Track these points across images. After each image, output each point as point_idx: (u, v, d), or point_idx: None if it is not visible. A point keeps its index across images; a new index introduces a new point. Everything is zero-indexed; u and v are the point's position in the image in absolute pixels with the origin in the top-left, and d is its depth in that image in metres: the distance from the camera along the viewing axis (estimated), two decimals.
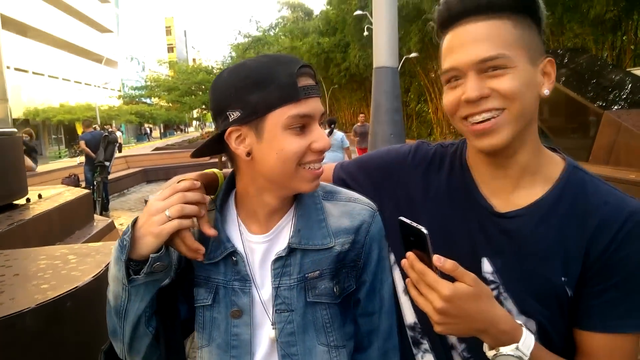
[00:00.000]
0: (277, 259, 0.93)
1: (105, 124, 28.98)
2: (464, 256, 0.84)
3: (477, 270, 0.86)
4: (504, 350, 0.75)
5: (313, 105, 0.86)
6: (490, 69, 0.81)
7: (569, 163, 0.89)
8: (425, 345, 0.96)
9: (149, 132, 44.88)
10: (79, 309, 1.68)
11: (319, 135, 0.87)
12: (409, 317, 0.98)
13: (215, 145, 0.93)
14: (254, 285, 0.94)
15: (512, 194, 0.88)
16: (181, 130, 73.46)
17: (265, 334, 0.93)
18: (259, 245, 0.95)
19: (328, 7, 29.72)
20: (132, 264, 0.85)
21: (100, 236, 4.06)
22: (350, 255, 0.95)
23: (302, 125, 0.86)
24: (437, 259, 0.73)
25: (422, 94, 26.48)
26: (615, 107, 10.36)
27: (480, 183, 0.92)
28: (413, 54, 20.65)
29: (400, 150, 1.07)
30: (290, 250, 0.93)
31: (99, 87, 39.82)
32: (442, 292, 0.72)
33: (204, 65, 8.58)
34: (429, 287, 0.74)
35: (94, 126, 10.37)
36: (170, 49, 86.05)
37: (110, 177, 10.73)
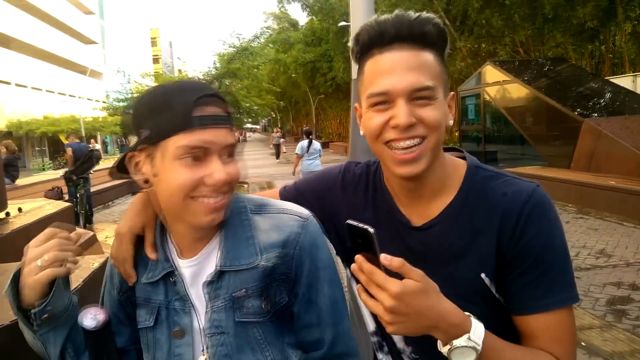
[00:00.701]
0: (208, 283, 0.91)
1: (90, 138, 28.76)
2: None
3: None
4: (456, 342, 0.76)
5: (211, 136, 0.81)
6: (418, 98, 0.84)
7: (469, 165, 0.94)
8: (386, 348, 1.01)
9: (125, 142, 44.61)
10: None
11: (215, 168, 0.82)
12: (370, 324, 1.03)
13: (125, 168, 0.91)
14: (192, 306, 0.93)
15: (427, 207, 0.93)
16: None
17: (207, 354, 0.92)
18: (186, 270, 0.94)
19: (313, 18, 29.97)
20: (31, 312, 0.86)
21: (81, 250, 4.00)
22: (279, 269, 0.91)
23: (195, 157, 0.81)
24: (384, 257, 0.73)
25: None
26: (595, 115, 10.56)
27: (397, 201, 0.97)
28: None
29: (331, 174, 1.11)
30: (220, 273, 0.91)
31: (83, 98, 39.44)
32: (391, 289, 0.73)
33: (189, 77, 8.56)
34: (378, 288, 0.75)
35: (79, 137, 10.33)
36: (156, 60, 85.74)
37: (94, 189, 10.62)
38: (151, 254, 0.93)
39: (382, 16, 0.87)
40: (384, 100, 0.86)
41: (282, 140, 23.65)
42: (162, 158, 0.82)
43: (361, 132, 0.94)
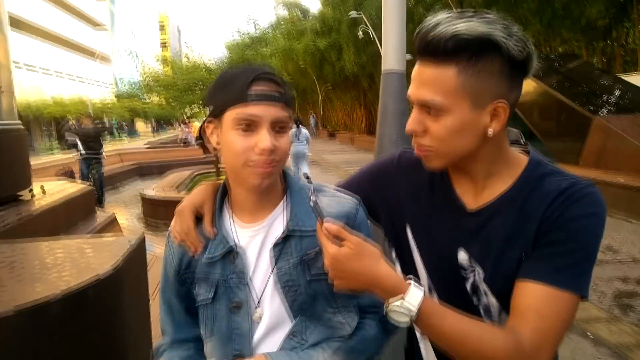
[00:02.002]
0: (276, 245, 1.01)
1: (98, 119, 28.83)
2: (443, 247, 0.98)
3: (454, 258, 0.97)
4: (390, 305, 0.83)
5: (261, 110, 0.93)
6: (428, 109, 0.90)
7: (531, 159, 0.98)
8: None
9: (124, 128, 44.30)
10: (100, 298, 1.75)
11: (262, 137, 0.93)
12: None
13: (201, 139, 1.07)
14: (250, 278, 1.02)
15: (480, 193, 0.98)
16: (172, 126, 73.11)
17: (270, 318, 1.02)
18: (254, 237, 1.03)
19: (324, 7, 29.80)
20: None
21: (102, 229, 4.12)
22: None
23: (247, 127, 0.93)
24: (326, 224, 0.85)
25: None
26: (605, 112, 10.56)
27: (456, 185, 1.02)
28: (408, 57, 20.77)
29: (385, 160, 1.18)
30: (288, 235, 1.01)
31: (91, 82, 39.48)
32: (328, 252, 0.84)
33: (203, 64, 8.62)
34: (325, 250, 0.86)
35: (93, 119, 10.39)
36: (164, 45, 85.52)
37: (103, 172, 10.73)
38: (210, 230, 1.03)
39: (425, 23, 0.89)
40: (411, 106, 0.95)
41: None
42: (223, 128, 0.97)
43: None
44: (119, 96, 32.12)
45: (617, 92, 11.63)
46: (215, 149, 1.01)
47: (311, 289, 1.02)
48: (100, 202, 9.92)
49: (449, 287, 0.99)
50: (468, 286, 0.97)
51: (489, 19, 0.84)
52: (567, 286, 0.84)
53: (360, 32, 20.96)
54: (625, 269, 5.14)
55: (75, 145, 9.71)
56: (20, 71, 34.46)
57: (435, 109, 0.88)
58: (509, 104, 0.89)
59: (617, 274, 4.98)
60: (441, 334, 0.84)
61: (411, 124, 0.92)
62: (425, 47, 0.87)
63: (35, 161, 12.14)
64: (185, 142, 19.59)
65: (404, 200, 1.07)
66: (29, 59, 36.01)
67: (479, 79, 0.85)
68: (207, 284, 1.03)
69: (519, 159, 0.99)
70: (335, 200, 1.07)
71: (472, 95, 0.86)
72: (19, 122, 3.83)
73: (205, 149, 1.06)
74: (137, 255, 2.20)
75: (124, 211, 9.62)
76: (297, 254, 1.02)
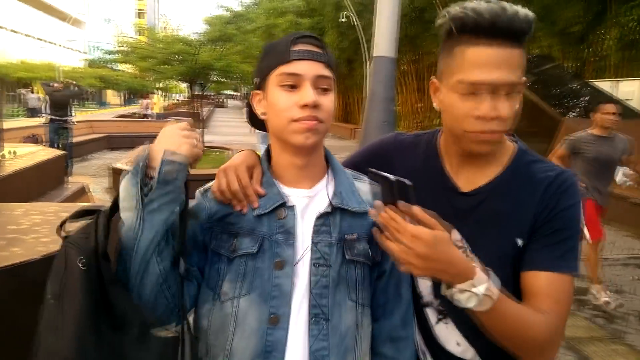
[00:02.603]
0: (320, 216, 1.02)
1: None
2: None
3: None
4: (459, 287, 0.85)
5: (304, 67, 0.96)
6: (506, 92, 0.93)
7: (519, 148, 1.08)
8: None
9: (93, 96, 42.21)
10: None
11: (305, 92, 0.95)
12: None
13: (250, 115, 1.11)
14: (295, 238, 1.01)
15: (474, 176, 1.05)
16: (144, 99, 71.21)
17: (302, 285, 1.00)
18: (299, 200, 1.04)
19: None
20: (145, 188, 0.89)
21: (73, 198, 4.05)
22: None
23: (292, 84, 0.96)
24: (419, 209, 0.85)
25: None
26: (574, 115, 10.88)
27: (449, 167, 1.08)
28: None
29: (381, 141, 1.24)
30: (333, 209, 1.02)
31: (62, 46, 38.03)
32: (410, 231, 0.82)
33: (182, 36, 8.44)
34: (411, 236, 0.83)
35: (67, 80, 10.02)
36: (141, 15, 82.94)
37: (72, 140, 10.44)
38: (261, 190, 1.03)
39: (478, 4, 0.91)
40: (477, 91, 0.94)
41: None
42: (268, 92, 1.00)
43: (435, 106, 1.04)
44: (91, 63, 31.05)
45: (586, 97, 11.99)
46: (264, 114, 1.03)
47: (342, 272, 1.02)
48: (67, 172, 9.65)
49: None
50: None
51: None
52: (570, 270, 0.96)
53: (343, 17, 20.83)
54: (581, 268, 5.37)
55: (34, 110, 9.35)
56: None
57: (509, 91, 0.92)
58: None
59: None
60: (500, 316, 0.88)
61: (491, 110, 0.93)
62: (509, 27, 0.90)
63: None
64: (145, 117, 19.06)
65: (402, 177, 1.11)
66: None
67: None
68: (252, 238, 1.01)
69: (509, 145, 1.08)
70: (373, 188, 1.08)
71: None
72: None
73: (255, 124, 1.10)
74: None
75: (91, 183, 9.39)
76: (336, 232, 1.02)
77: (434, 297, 1.08)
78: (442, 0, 17.86)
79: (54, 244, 1.70)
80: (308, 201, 1.05)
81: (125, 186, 0.91)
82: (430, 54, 20.26)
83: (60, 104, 9.41)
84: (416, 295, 1.10)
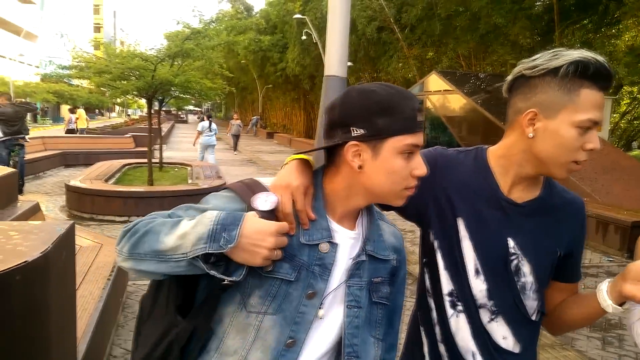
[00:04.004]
0: (358, 262, 1.09)
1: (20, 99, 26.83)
2: (493, 237, 1.20)
3: (505, 246, 1.20)
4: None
5: (421, 138, 1.02)
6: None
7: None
8: (460, 307, 1.24)
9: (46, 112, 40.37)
10: (27, 284, 1.72)
11: (419, 163, 1.03)
12: (446, 286, 1.26)
13: (324, 149, 1.11)
14: (331, 274, 1.07)
15: (523, 192, 1.22)
16: (102, 115, 69.62)
17: (330, 319, 1.08)
18: (348, 240, 1.10)
19: (269, 8, 29.71)
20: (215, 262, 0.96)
21: (25, 217, 3.93)
22: (394, 270, 1.16)
23: (410, 153, 1.01)
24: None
25: None
26: None
27: (502, 184, 1.22)
28: (348, 63, 21.19)
29: (427, 155, 1.28)
30: (365, 255, 1.10)
31: (14, 60, 36.77)
32: None
33: (139, 52, 8.34)
34: None
35: (15, 100, 9.67)
36: (97, 29, 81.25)
37: (25, 158, 10.10)
38: (312, 214, 1.05)
39: (593, 55, 1.07)
40: (589, 127, 1.10)
41: (240, 129, 20.73)
42: (387, 151, 1.00)
43: (530, 135, 1.14)
44: (44, 78, 30.10)
45: None
46: (360, 168, 1.02)
47: (368, 312, 1.11)
48: (20, 190, 9.31)
49: (497, 269, 1.21)
50: (512, 268, 1.20)
51: None
52: (579, 278, 1.32)
53: (304, 35, 21.15)
54: None
55: None
56: None
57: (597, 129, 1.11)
58: None
59: None
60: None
61: (597, 142, 1.10)
62: (607, 80, 1.09)
63: None
64: (71, 131, 18.48)
65: (452, 196, 1.24)
66: None
67: None
68: (292, 265, 1.03)
69: None
70: (392, 230, 1.19)
71: None
72: None
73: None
74: (66, 244, 2.16)
75: (46, 201, 9.10)
76: (366, 276, 1.10)
77: (487, 300, 1.22)
78: (399, 24, 18.48)
79: (0, 263, 1.67)
80: (350, 242, 1.10)
81: (198, 232, 0.94)
82: (387, 72, 20.76)
83: (12, 121, 9.09)
84: (471, 298, 1.22)
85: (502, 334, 1.22)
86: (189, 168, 11.33)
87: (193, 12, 8.88)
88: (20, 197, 8.09)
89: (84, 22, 70.28)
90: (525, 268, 1.21)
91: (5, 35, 42.58)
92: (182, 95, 9.85)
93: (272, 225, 0.97)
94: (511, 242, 1.20)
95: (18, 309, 1.69)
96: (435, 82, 13.97)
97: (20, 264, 1.69)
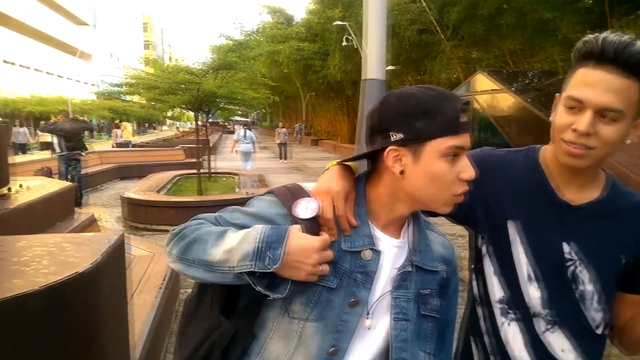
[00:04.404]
0: (404, 272, 1.04)
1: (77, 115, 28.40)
2: (546, 241, 1.11)
3: (559, 251, 1.11)
4: None
5: (467, 139, 0.97)
6: (604, 116, 1.00)
7: (607, 174, 1.17)
8: (512, 315, 1.17)
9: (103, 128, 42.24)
10: (79, 295, 1.76)
11: (466, 165, 0.97)
12: (497, 293, 1.19)
13: (365, 156, 1.07)
14: (374, 282, 1.03)
15: (577, 194, 1.12)
16: (154, 128, 72.37)
17: (377, 331, 1.04)
18: (392, 249, 1.06)
19: (309, 16, 30.01)
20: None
21: (81, 229, 4.09)
22: (445, 281, 1.10)
23: (454, 155, 0.96)
24: None
25: None
26: None
27: (552, 183, 1.14)
28: (390, 67, 21.04)
29: (475, 159, 1.23)
30: (412, 266, 1.05)
31: (71, 79, 38.89)
32: None
33: (185, 66, 8.62)
34: None
35: (73, 115, 10.26)
36: (147, 46, 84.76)
37: (82, 172, 10.61)
38: (354, 220, 1.03)
39: (611, 35, 1.00)
40: (576, 106, 1.02)
41: (287, 137, 20.49)
42: (429, 154, 0.95)
43: (550, 119, 1.11)
44: (99, 95, 31.78)
45: None
46: (402, 173, 0.99)
47: (417, 325, 1.06)
48: (79, 203, 9.78)
49: (553, 276, 1.12)
50: (569, 275, 1.11)
51: None
52: None
53: (345, 41, 21.17)
54: None
55: (22, 146, 9.60)
56: None
57: (613, 117, 0.99)
58: None
59: None
60: None
61: (588, 126, 0.99)
62: (625, 60, 0.97)
63: (10, 160, 11.89)
64: (119, 145, 19.18)
65: (502, 198, 1.17)
66: (8, 53, 35.34)
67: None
68: (334, 272, 1.01)
69: (600, 171, 1.16)
70: (442, 240, 1.13)
71: (636, 110, 1.01)
72: (1, 118, 3.79)
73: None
74: (116, 254, 2.21)
75: (103, 212, 9.51)
76: (413, 288, 1.05)
77: (542, 308, 1.14)
78: (440, 24, 18.18)
79: (53, 275, 1.73)
80: (398, 250, 1.07)
81: (244, 249, 0.95)
82: (431, 74, 20.44)
83: (70, 137, 9.59)
84: (524, 306, 1.15)
85: (560, 345, 1.13)
86: (236, 177, 11.55)
87: (234, 25, 9.08)
88: (78, 209, 8.51)
89: (134, 40, 73.48)
90: (584, 276, 1.11)
91: (62, 56, 45.16)
92: (227, 106, 10.06)
93: (316, 241, 0.96)
94: (566, 248, 1.11)
95: (71, 319, 1.74)
96: (481, 81, 13.60)
97: (72, 275, 1.73)
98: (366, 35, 2.32)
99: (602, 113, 0.99)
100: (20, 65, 37.62)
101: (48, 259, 1.93)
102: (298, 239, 0.96)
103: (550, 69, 16.02)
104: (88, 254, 2.02)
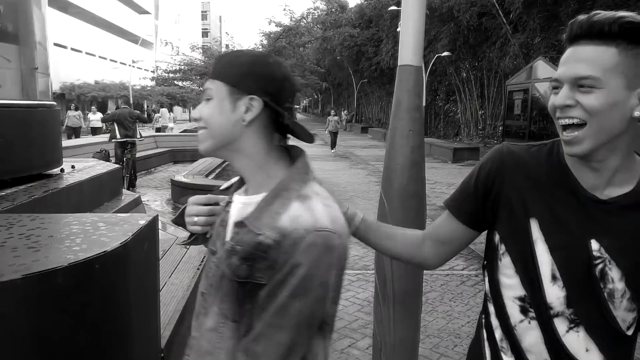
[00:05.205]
0: (236, 224, 1.04)
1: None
2: (574, 239, 1.04)
3: (587, 249, 1.03)
4: None
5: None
6: (581, 86, 0.97)
7: None
8: (532, 313, 1.10)
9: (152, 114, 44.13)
10: (106, 272, 1.81)
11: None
12: (517, 291, 1.12)
13: None
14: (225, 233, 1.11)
15: (606, 187, 1.04)
16: None
17: None
18: (237, 205, 1.09)
19: (363, 1, 29.63)
20: None
21: (127, 209, 4.25)
22: (269, 252, 0.97)
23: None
24: None
25: (452, 94, 26.15)
26: None
27: (578, 178, 1.06)
28: (445, 53, 20.43)
29: (491, 161, 1.18)
30: (241, 224, 1.02)
31: (133, 66, 40.52)
32: None
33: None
34: None
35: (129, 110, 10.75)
36: (205, 34, 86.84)
37: (138, 155, 11.04)
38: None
39: (581, 16, 1.00)
40: (557, 86, 1.02)
41: (339, 126, 19.39)
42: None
43: None
44: (156, 81, 32.95)
45: None
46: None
47: (219, 279, 1.10)
48: (133, 184, 10.22)
49: (579, 274, 1.04)
50: (597, 273, 1.03)
51: None
52: None
53: (399, 27, 20.76)
54: None
55: (75, 129, 10.09)
56: (65, 53, 35.66)
57: (589, 85, 0.95)
58: None
59: None
60: None
61: (561, 98, 0.98)
62: (588, 30, 0.96)
63: (73, 142, 12.58)
64: (158, 130, 19.41)
65: (524, 195, 1.11)
66: (75, 41, 37.24)
67: (636, 62, 0.94)
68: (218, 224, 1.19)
69: (639, 160, 1.07)
70: (295, 215, 0.96)
71: (628, 76, 0.95)
72: (53, 102, 3.97)
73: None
74: (149, 235, 2.26)
75: (154, 194, 9.88)
76: (235, 242, 1.03)
77: (566, 307, 1.07)
78: (502, 8, 17.40)
79: (82, 252, 1.78)
80: (239, 206, 1.09)
81: None
82: (490, 61, 19.69)
83: (126, 126, 10.04)
84: (544, 306, 1.08)
85: (584, 346, 1.06)
86: None
87: (284, 11, 9.08)
88: (130, 190, 8.88)
89: (193, 28, 75.39)
90: (614, 274, 1.02)
91: (125, 43, 47.08)
92: None
93: (198, 196, 1.20)
94: (595, 245, 1.02)
95: (97, 297, 1.79)
96: (542, 68, 12.92)
97: (99, 253, 1.78)
98: (403, 19, 2.21)
99: (578, 83, 0.97)
100: (87, 53, 39.59)
101: (82, 237, 1.99)
102: (193, 197, 1.17)
103: None
104: (120, 233, 2.07)
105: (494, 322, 1.18)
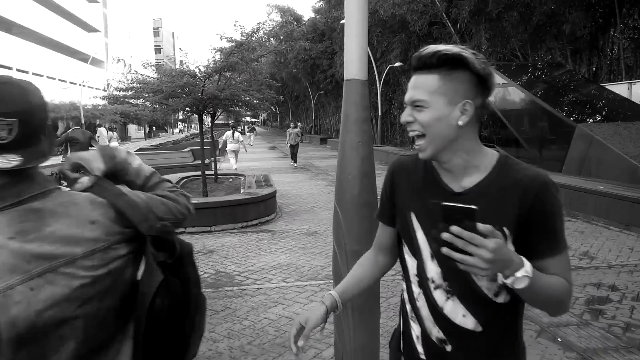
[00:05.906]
0: None
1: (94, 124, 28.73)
2: (438, 223, 1.19)
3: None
4: (518, 274, 1.09)
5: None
6: (416, 106, 1.23)
7: (501, 155, 1.31)
8: (423, 286, 1.36)
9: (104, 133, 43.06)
10: None
11: None
12: (412, 269, 1.39)
13: None
14: None
15: (461, 181, 1.28)
16: (165, 131, 72.93)
17: None
18: None
19: (316, 15, 30.06)
20: None
21: None
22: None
23: None
24: (484, 226, 1.04)
25: None
26: (589, 121, 10.72)
27: (441, 176, 1.32)
28: (398, 64, 20.96)
29: (390, 168, 1.49)
30: None
31: (83, 85, 39.41)
32: (489, 246, 1.03)
33: (187, 69, 8.66)
34: (477, 247, 1.04)
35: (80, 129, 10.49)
36: (158, 50, 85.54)
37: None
38: None
39: (417, 52, 1.25)
40: (405, 107, 1.29)
41: (299, 138, 18.76)
42: None
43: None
44: (108, 98, 32.22)
45: (600, 101, 11.81)
46: None
47: None
48: None
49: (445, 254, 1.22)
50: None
51: (463, 47, 1.20)
52: (565, 246, 1.24)
53: None
54: (599, 275, 5.24)
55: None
56: (11, 74, 34.23)
57: (420, 105, 1.22)
58: (475, 105, 1.21)
59: (591, 280, 5.07)
60: (539, 288, 1.15)
61: (404, 116, 1.26)
62: (419, 62, 1.22)
63: None
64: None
65: (407, 195, 1.39)
66: (21, 62, 35.92)
67: (453, 84, 1.20)
68: None
69: (492, 153, 1.31)
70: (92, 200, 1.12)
71: (448, 95, 1.20)
72: None
73: None
74: None
75: None
76: None
77: (443, 280, 1.31)
78: (450, 18, 18.04)
79: None
80: None
81: None
82: None
83: (83, 146, 9.83)
84: (427, 280, 1.33)
85: (460, 312, 1.29)
86: (242, 178, 11.59)
87: (235, 27, 9.10)
88: None
89: (146, 45, 74.18)
90: None
91: (74, 62, 45.78)
92: (231, 108, 10.08)
93: None
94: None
95: None
96: None
97: None
98: (346, 33, 2.30)
99: (414, 105, 1.23)
100: (34, 73, 38.18)
101: None
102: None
103: (558, 62, 15.83)
104: None
105: (405, 296, 1.45)
